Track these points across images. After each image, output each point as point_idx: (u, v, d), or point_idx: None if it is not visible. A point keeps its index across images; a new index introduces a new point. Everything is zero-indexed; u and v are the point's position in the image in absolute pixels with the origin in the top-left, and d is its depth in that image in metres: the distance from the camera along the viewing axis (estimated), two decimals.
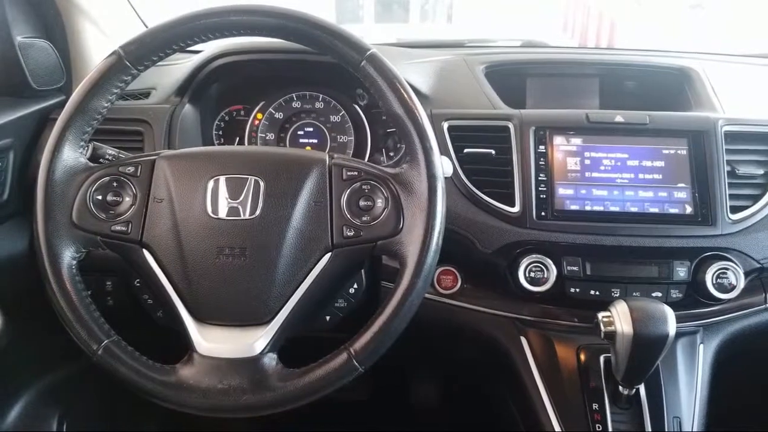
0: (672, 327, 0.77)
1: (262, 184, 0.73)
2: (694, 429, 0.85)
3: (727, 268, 0.88)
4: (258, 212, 0.72)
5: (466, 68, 1.12)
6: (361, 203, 0.74)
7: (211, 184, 0.73)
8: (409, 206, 0.72)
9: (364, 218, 0.73)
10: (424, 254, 0.70)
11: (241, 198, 0.72)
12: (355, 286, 0.82)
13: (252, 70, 1.12)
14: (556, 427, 0.86)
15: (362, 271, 0.83)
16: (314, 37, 0.74)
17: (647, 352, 0.78)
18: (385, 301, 0.70)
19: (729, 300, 0.88)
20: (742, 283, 0.87)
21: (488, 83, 1.09)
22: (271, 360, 0.72)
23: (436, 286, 0.97)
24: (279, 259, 0.71)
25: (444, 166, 0.77)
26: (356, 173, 0.75)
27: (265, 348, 0.71)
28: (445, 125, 0.97)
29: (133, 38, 0.74)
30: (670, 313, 0.77)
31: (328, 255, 0.72)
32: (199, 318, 0.72)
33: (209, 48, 1.11)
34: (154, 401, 0.71)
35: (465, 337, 1.00)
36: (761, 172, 0.93)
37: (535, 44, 1.46)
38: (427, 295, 0.96)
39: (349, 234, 0.73)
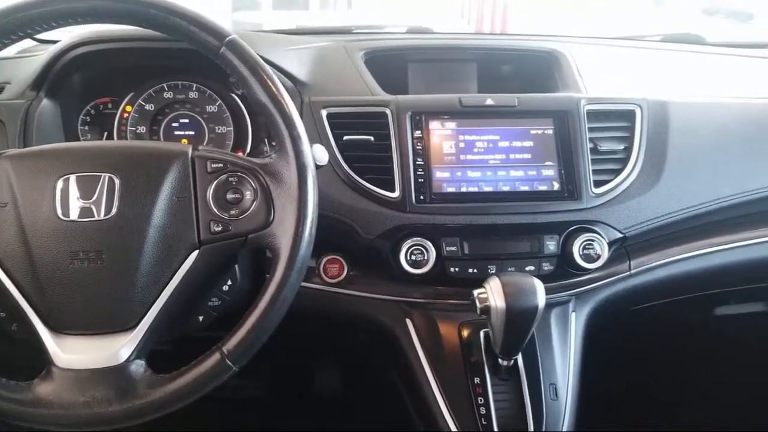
0: (541, 298, 0.80)
1: (117, 181, 0.69)
2: (569, 393, 0.90)
3: (592, 240, 0.93)
4: (114, 212, 0.68)
5: (345, 55, 1.12)
6: (229, 196, 0.71)
7: (60, 183, 0.68)
8: (280, 197, 0.71)
9: (233, 212, 0.71)
10: (297, 246, 0.69)
11: (94, 197, 0.68)
12: (230, 282, 0.79)
13: (117, 59, 1.05)
14: (441, 403, 0.88)
15: (236, 266, 0.81)
16: (169, 23, 0.71)
17: (520, 324, 0.81)
18: (257, 296, 0.69)
19: (596, 269, 0.94)
20: (606, 253, 0.93)
21: (367, 70, 1.09)
22: (138, 367, 0.68)
23: (323, 275, 0.96)
24: (140, 261, 0.68)
25: (318, 154, 0.76)
26: (222, 165, 0.72)
27: (131, 355, 0.68)
28: (324, 113, 0.96)
29: None
30: (539, 286, 0.81)
31: (195, 252, 0.69)
32: (56, 328, 0.67)
33: (68, 37, 1.03)
34: (10, 422, 0.65)
35: (355, 324, 1.01)
36: (621, 147, 0.99)
37: (419, 30, 1.48)
38: (314, 285, 0.97)
39: (216, 229, 0.70)
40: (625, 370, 1.41)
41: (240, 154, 1.09)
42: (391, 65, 1.18)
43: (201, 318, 0.78)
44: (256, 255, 0.92)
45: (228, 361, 0.67)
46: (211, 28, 0.71)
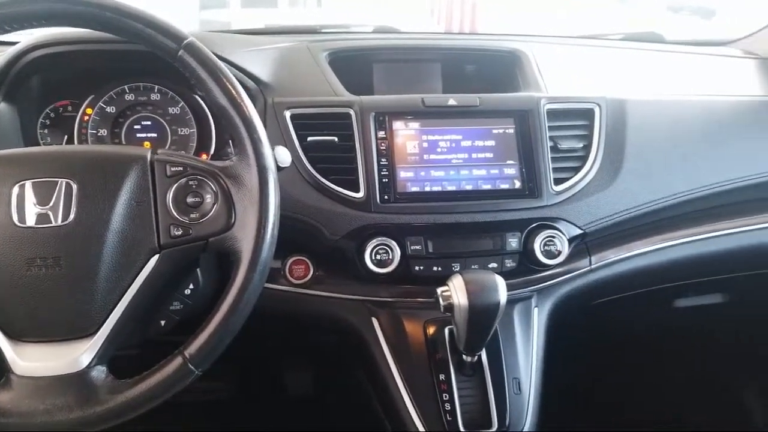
0: (503, 295, 0.82)
1: (74, 186, 0.68)
2: (532, 387, 0.92)
3: (553, 236, 0.95)
4: (71, 218, 0.67)
5: (309, 55, 1.12)
6: (189, 200, 0.71)
7: (15, 190, 0.67)
8: (241, 200, 0.71)
9: (193, 215, 0.71)
10: (259, 248, 0.69)
11: (51, 203, 0.67)
12: (192, 286, 0.79)
13: (77, 61, 1.04)
14: (407, 401, 0.89)
15: (198, 270, 0.81)
16: (124, 26, 0.70)
17: (483, 320, 0.83)
18: (220, 299, 0.69)
19: (557, 265, 0.96)
20: (566, 249, 0.95)
21: (331, 70, 1.09)
22: (99, 373, 0.68)
23: (288, 276, 0.96)
24: (99, 266, 0.67)
25: (280, 156, 0.77)
26: (181, 168, 0.72)
27: (91, 361, 0.67)
28: (288, 114, 0.96)
29: None
30: (501, 283, 0.83)
31: (156, 257, 0.69)
32: (13, 336, 0.67)
33: (26, 39, 1.01)
34: None
35: (322, 325, 1.01)
36: (581, 145, 1.01)
37: (385, 30, 1.48)
38: (280, 287, 0.97)
39: (177, 233, 0.70)
40: (588, 363, 1.44)
41: (204, 156, 1.08)
42: (356, 65, 1.18)
43: (163, 322, 0.78)
44: (221, 258, 0.91)
45: (190, 366, 0.67)
46: (167, 31, 0.71)
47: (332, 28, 1.43)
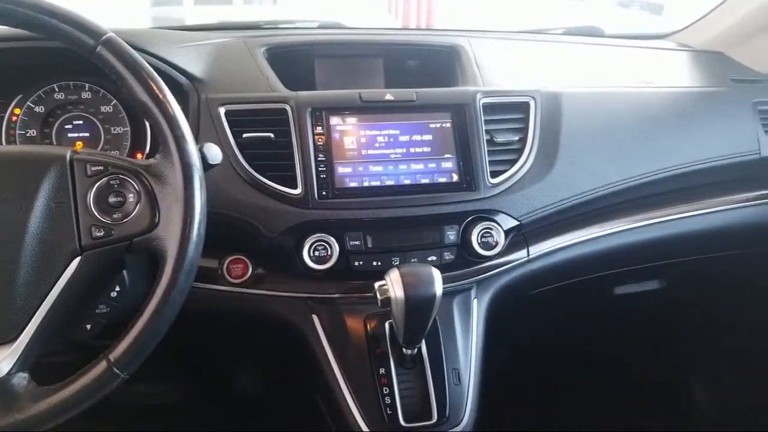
0: (439, 287, 0.83)
1: None
2: (471, 377, 0.93)
3: (490, 228, 0.96)
4: None
5: (246, 51, 1.10)
6: (111, 200, 0.69)
7: None
8: (165, 199, 0.69)
9: (115, 216, 0.69)
10: (185, 248, 0.68)
11: None
12: (118, 288, 0.77)
13: (2, 60, 1.00)
14: (347, 396, 0.89)
15: (124, 272, 0.79)
16: (40, 22, 0.68)
17: (420, 313, 0.83)
18: (145, 301, 0.67)
19: (494, 256, 0.97)
20: (503, 240, 0.97)
21: (269, 66, 1.08)
22: (21, 380, 0.66)
23: (227, 276, 0.95)
24: (17, 271, 0.65)
25: (210, 153, 0.75)
26: (102, 168, 0.70)
27: (12, 368, 0.65)
28: (222, 110, 0.95)
29: None
30: (437, 275, 0.84)
31: (77, 260, 0.67)
32: None
33: None
34: None
35: (264, 324, 1.00)
36: (517, 138, 1.03)
37: (330, 25, 1.48)
38: (218, 287, 0.96)
39: (98, 234, 0.68)
40: (529, 352, 1.47)
41: (139, 155, 1.06)
42: (297, 61, 1.18)
43: (89, 326, 0.76)
44: (152, 259, 0.89)
45: (115, 369, 0.65)
46: (84, 26, 0.69)
47: (275, 24, 1.42)
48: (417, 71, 1.26)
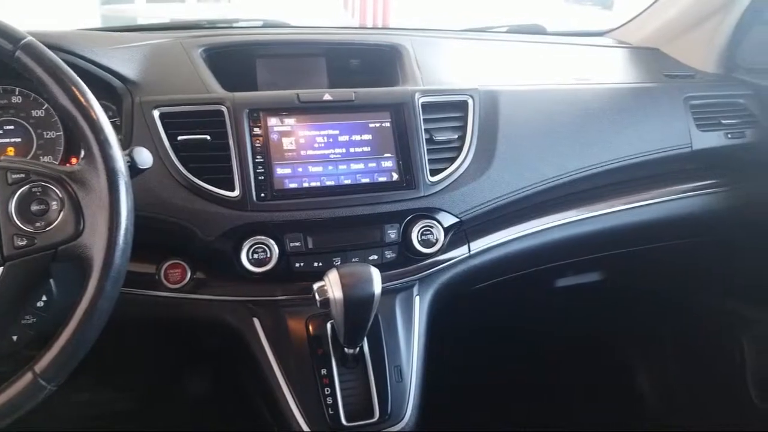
0: (377, 286, 0.83)
1: None
2: (413, 373, 0.94)
3: (430, 226, 0.97)
4: None
5: (182, 52, 1.08)
6: (34, 208, 0.67)
7: None
8: (89, 205, 0.68)
9: (38, 224, 0.67)
10: (111, 255, 0.66)
11: None
12: (45, 298, 0.75)
13: None
14: (289, 398, 0.89)
15: (51, 281, 0.77)
16: None
17: (360, 312, 0.84)
18: (71, 311, 0.66)
19: (435, 253, 0.98)
20: (443, 238, 0.98)
21: (206, 66, 1.06)
22: None
23: (165, 281, 0.93)
24: None
25: (141, 158, 0.74)
26: (24, 175, 0.68)
27: None
28: (156, 113, 0.93)
29: None
30: (375, 274, 0.84)
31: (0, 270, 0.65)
32: None
33: None
34: None
35: (203, 329, 0.99)
36: (456, 136, 1.04)
37: (274, 24, 1.47)
38: (155, 293, 0.94)
39: (21, 243, 0.66)
40: (473, 347, 1.49)
41: (74, 160, 1.03)
42: (238, 61, 1.16)
43: (15, 337, 0.73)
44: (80, 268, 0.87)
45: (41, 381, 0.64)
46: (2, 31, 0.67)
47: (218, 24, 1.40)
48: (360, 71, 1.26)
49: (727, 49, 1.35)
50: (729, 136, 1.24)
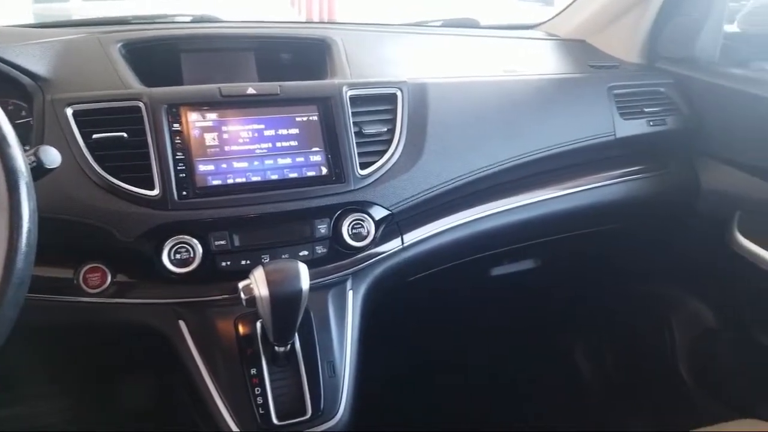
0: (305, 282, 0.82)
1: None
2: (346, 367, 0.93)
3: (361, 219, 0.97)
4: None
5: (98, 47, 1.04)
6: None
7: None
8: None
9: None
10: (13, 260, 0.62)
11: None
12: None
13: None
14: (218, 401, 0.87)
15: None
16: None
17: (287, 309, 0.82)
18: None
19: (366, 247, 0.98)
20: (373, 231, 0.97)
21: (124, 62, 1.02)
22: None
23: (83, 286, 0.89)
24: None
25: (48, 157, 0.71)
26: None
27: None
28: (69, 111, 0.89)
29: None
30: (303, 270, 0.83)
31: None
32: None
33: None
34: None
35: (128, 335, 0.96)
36: (385, 129, 1.04)
37: (204, 19, 1.43)
38: (74, 299, 0.90)
39: None
40: (410, 339, 1.50)
41: None
42: (161, 57, 1.13)
43: None
44: None
45: None
46: None
47: (144, 19, 1.35)
48: (290, 65, 1.24)
49: (648, 40, 1.40)
50: (651, 123, 1.28)
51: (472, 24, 1.59)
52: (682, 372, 1.51)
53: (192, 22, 1.39)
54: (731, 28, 1.41)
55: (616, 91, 1.27)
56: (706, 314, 1.48)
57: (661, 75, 1.36)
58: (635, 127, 1.26)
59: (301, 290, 0.82)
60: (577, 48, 1.45)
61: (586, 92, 1.26)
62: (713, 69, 1.32)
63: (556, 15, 1.61)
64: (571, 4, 1.55)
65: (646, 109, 1.28)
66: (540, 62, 1.38)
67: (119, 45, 1.06)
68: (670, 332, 1.55)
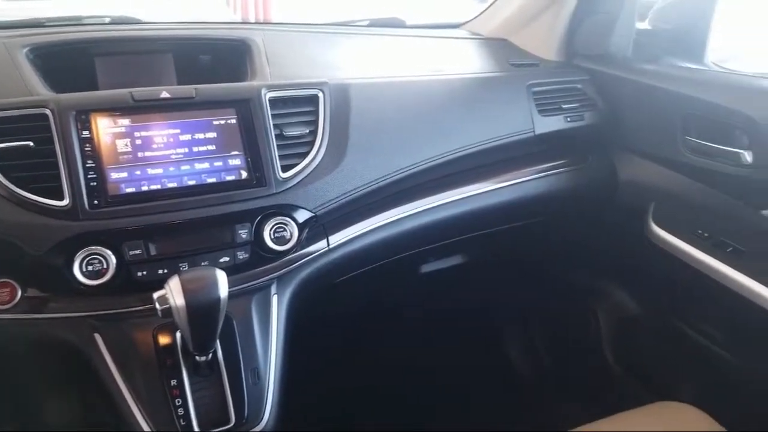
0: (223, 289, 0.81)
1: None
2: (271, 373, 0.92)
3: (284, 223, 0.96)
4: None
5: (4, 52, 1.00)
6: None
7: None
8: None
9: None
10: None
11: None
12: None
13: None
14: (137, 415, 0.84)
15: None
16: None
17: (205, 318, 0.81)
18: None
19: (290, 250, 0.97)
20: (296, 234, 0.97)
21: (31, 67, 0.98)
22: None
23: None
24: None
25: None
26: None
27: None
28: None
29: None
30: (221, 277, 0.81)
31: None
32: None
33: None
34: None
35: (40, 352, 0.92)
36: (307, 131, 1.03)
37: (122, 20, 1.38)
38: None
39: None
40: (341, 341, 1.50)
41: None
42: (74, 61, 1.09)
43: None
44: None
45: None
46: None
47: (59, 21, 1.30)
48: (211, 67, 1.21)
49: (565, 38, 1.45)
50: (569, 119, 1.32)
51: (398, 24, 1.60)
52: (608, 358, 1.57)
53: (110, 23, 1.35)
54: (643, 25, 1.47)
55: (535, 89, 1.31)
56: (628, 303, 1.55)
57: (578, 72, 1.41)
58: (553, 123, 1.30)
59: (219, 298, 0.80)
60: (499, 47, 1.48)
61: (507, 90, 1.29)
62: (626, 65, 1.38)
63: (480, 14, 1.64)
64: (492, 4, 1.58)
65: (563, 106, 1.33)
66: (463, 61, 1.41)
67: (26, 49, 1.01)
68: (596, 321, 1.61)
